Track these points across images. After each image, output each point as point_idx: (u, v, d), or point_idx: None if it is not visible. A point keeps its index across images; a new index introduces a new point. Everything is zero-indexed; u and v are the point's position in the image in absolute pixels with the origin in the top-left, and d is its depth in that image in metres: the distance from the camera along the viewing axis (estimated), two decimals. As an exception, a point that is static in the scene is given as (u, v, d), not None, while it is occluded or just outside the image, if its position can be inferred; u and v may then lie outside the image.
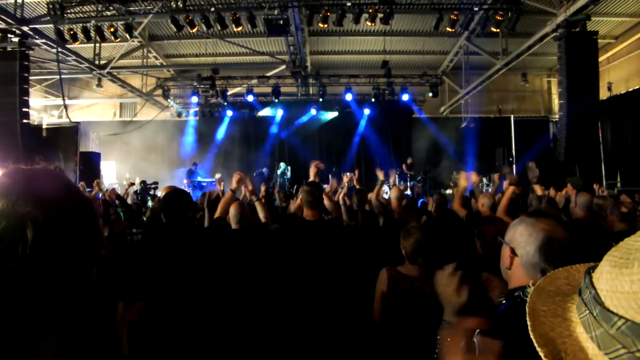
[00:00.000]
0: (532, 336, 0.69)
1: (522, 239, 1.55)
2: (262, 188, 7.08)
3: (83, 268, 0.75)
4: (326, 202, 3.73)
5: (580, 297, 0.69)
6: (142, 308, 2.08)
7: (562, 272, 0.81)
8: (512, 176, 4.28)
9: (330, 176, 6.00)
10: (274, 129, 17.93)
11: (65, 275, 0.71)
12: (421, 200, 9.29)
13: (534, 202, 4.36)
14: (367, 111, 17.23)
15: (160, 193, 12.21)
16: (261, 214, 3.95)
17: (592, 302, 0.65)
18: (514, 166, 14.58)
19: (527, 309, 0.73)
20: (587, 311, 0.66)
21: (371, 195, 5.30)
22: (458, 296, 1.56)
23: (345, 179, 5.67)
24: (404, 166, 15.03)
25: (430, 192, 13.75)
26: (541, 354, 0.66)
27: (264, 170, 15.63)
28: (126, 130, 16.98)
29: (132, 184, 8.76)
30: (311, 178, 3.81)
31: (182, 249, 2.90)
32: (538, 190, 4.95)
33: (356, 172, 6.19)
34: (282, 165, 15.80)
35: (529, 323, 0.71)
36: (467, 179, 5.05)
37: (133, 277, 2.73)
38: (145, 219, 4.92)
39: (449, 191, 13.81)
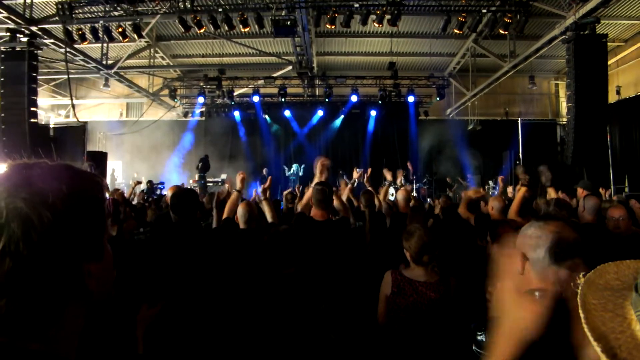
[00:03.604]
0: (586, 329, 0.68)
1: (531, 242, 1.54)
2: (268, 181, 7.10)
3: (72, 262, 0.73)
4: (335, 202, 3.71)
5: (637, 294, 0.68)
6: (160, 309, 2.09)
7: (611, 266, 0.80)
8: (524, 177, 4.25)
9: (337, 180, 5.89)
10: (280, 130, 18.01)
11: (49, 268, 0.70)
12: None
13: (542, 207, 4.33)
14: (373, 112, 17.25)
15: (166, 192, 12.27)
16: (268, 215, 3.93)
17: None
18: (521, 169, 14.49)
19: (578, 301, 0.73)
20: None
21: (378, 196, 5.29)
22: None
23: (355, 175, 5.58)
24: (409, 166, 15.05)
25: (436, 194, 13.71)
26: (597, 349, 0.65)
27: (264, 171, 15.67)
28: (133, 130, 17.04)
29: (139, 182, 8.77)
30: (317, 175, 3.77)
31: (191, 249, 2.90)
32: (552, 193, 4.92)
33: (369, 170, 6.09)
34: (294, 166, 15.84)
35: (582, 315, 0.70)
36: (476, 192, 5.13)
37: (150, 278, 2.73)
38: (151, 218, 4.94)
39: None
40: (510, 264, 1.02)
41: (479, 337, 1.47)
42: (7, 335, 0.67)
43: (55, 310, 0.72)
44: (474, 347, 1.46)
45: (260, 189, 4.29)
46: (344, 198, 4.36)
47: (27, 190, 0.69)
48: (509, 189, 6.41)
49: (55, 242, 0.70)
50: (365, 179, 5.59)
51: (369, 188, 5.37)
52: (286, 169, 16.07)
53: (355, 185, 5.75)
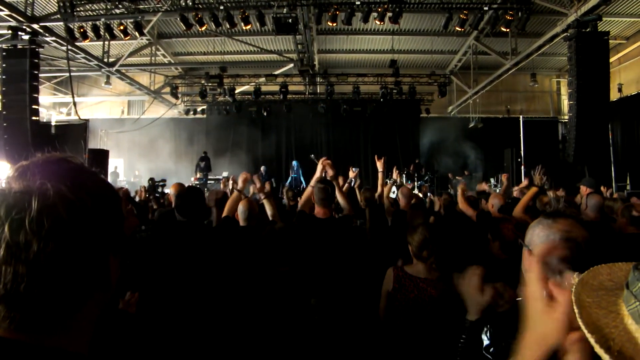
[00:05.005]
0: (580, 323, 0.70)
1: (539, 240, 1.52)
2: (267, 186, 7.11)
3: (103, 252, 0.75)
4: (340, 198, 3.70)
5: (628, 290, 0.70)
6: (137, 300, 2.10)
7: (604, 268, 0.81)
8: (540, 179, 4.28)
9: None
10: (281, 128, 18.03)
11: (85, 255, 0.71)
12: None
13: (552, 202, 4.35)
14: (374, 110, 17.25)
15: (168, 190, 12.29)
16: (269, 212, 3.92)
17: None
18: (522, 167, 14.51)
19: (572, 298, 0.74)
20: (638, 303, 0.67)
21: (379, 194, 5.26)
22: (482, 295, 1.54)
23: (351, 174, 5.54)
24: (411, 166, 15.04)
25: (437, 192, 13.72)
26: (591, 340, 0.67)
27: (262, 168, 15.72)
28: (134, 128, 17.06)
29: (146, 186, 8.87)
30: (317, 174, 3.78)
31: (193, 247, 2.90)
32: (552, 195, 4.95)
33: (383, 157, 5.72)
34: (295, 163, 15.87)
35: (576, 311, 0.72)
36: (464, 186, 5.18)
37: (142, 273, 2.73)
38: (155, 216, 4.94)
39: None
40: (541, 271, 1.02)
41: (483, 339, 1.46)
42: (27, 328, 0.67)
43: (81, 300, 0.72)
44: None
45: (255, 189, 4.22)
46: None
47: (67, 177, 0.71)
48: (515, 188, 6.40)
49: (92, 230, 0.71)
50: (381, 168, 5.33)
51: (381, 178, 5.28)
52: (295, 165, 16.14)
53: (352, 184, 5.72)
